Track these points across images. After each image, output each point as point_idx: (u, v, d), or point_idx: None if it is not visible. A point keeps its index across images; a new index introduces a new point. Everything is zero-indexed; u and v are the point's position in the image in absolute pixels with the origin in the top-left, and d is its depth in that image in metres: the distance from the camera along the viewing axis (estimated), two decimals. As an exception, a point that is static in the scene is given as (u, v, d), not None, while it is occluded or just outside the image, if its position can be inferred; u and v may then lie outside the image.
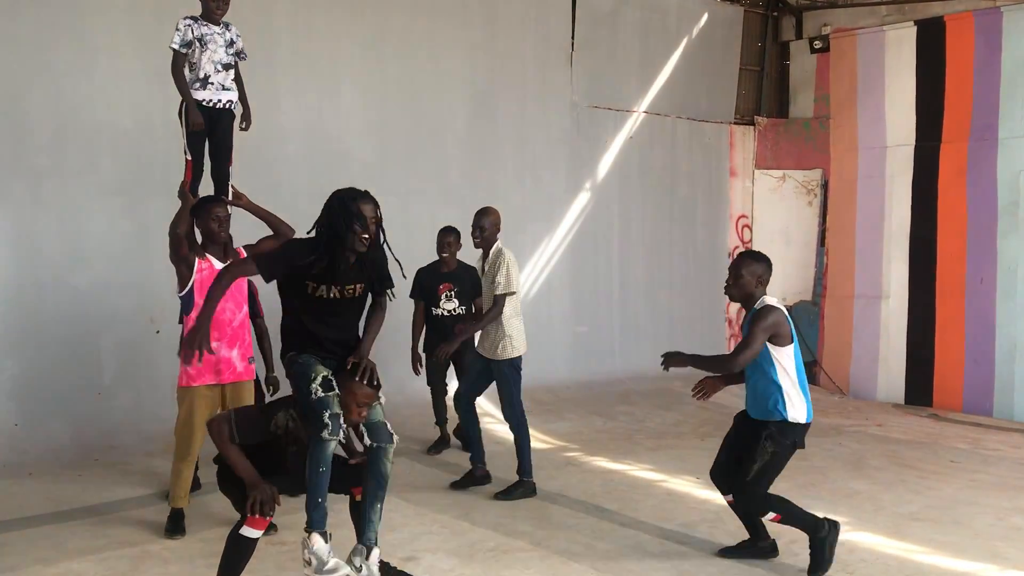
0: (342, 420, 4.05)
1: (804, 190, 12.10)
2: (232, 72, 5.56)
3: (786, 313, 5.21)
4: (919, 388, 10.91)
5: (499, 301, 6.37)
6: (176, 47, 5.39)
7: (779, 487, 6.87)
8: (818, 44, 11.86)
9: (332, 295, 4.20)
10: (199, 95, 5.41)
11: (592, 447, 8.07)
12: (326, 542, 4.10)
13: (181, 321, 5.31)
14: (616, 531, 5.81)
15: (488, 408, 8.05)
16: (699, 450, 8.08)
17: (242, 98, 5.69)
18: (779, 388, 5.13)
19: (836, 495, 6.77)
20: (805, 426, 5.20)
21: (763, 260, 5.39)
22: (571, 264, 10.51)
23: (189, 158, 5.46)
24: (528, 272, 10.08)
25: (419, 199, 9.01)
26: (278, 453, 4.12)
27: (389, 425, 4.35)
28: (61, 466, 6.64)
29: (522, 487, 6.39)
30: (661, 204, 11.44)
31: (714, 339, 11.97)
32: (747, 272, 5.31)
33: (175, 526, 5.29)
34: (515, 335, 6.45)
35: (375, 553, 4.32)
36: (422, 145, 9.20)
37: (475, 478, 6.60)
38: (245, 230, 5.57)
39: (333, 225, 4.11)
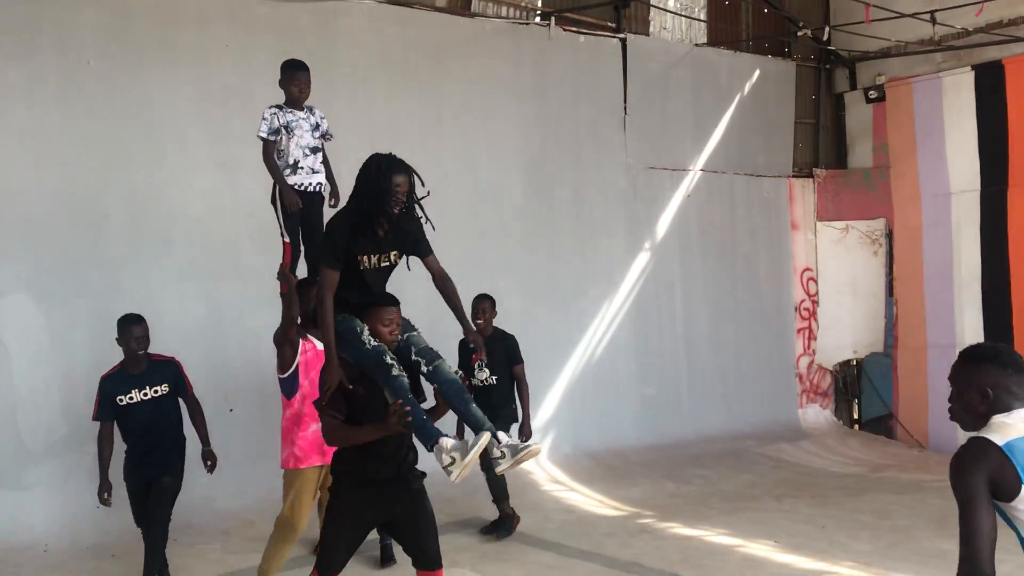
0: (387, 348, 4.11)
1: (868, 240, 11.93)
2: (320, 155, 5.63)
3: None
4: (1003, 439, 10.53)
5: None
6: (264, 136, 5.48)
7: (858, 548, 6.72)
8: (873, 94, 11.81)
9: (373, 264, 4.23)
10: (290, 180, 5.47)
11: (666, 513, 7.93)
12: (451, 437, 4.04)
13: (289, 400, 5.30)
14: (695, 600, 5.69)
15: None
16: (776, 512, 7.92)
17: (329, 177, 5.70)
18: None
19: (924, 555, 6.54)
20: None
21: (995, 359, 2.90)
22: (634, 325, 10.47)
23: (287, 240, 5.47)
24: (591, 335, 10.07)
25: (479, 268, 9.09)
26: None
27: None
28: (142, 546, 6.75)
29: None
30: (723, 261, 11.38)
31: (784, 395, 11.78)
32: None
33: None
34: None
35: (501, 434, 4.18)
36: (480, 215, 9.33)
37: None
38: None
39: (368, 190, 4.15)
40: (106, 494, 5.60)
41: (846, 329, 12.04)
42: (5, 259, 6.97)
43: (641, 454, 9.81)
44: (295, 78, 5.48)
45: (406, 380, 4.06)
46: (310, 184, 5.53)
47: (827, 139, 12.38)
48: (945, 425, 10.78)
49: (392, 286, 4.45)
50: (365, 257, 4.19)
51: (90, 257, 7.25)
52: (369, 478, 4.10)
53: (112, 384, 5.61)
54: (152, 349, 7.52)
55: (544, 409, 9.65)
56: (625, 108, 10.49)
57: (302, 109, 5.56)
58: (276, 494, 7.72)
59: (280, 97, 5.67)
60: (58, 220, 7.16)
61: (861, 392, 12.08)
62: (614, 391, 10.19)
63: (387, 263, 4.31)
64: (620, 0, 10.43)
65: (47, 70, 7.13)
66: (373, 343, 4.08)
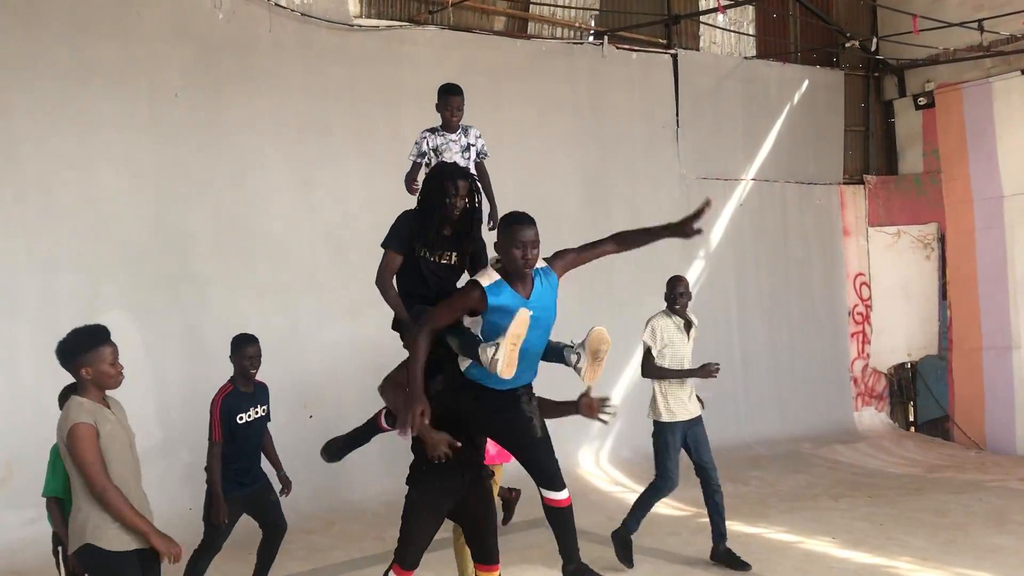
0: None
1: (920, 244, 12.07)
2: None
3: None
4: (1062, 439, 10.63)
5: None
6: (413, 158, 5.63)
7: (915, 544, 6.94)
8: (923, 100, 11.98)
9: (432, 258, 4.56)
10: None
11: (726, 512, 8.18)
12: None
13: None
14: (758, 592, 5.96)
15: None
16: (834, 511, 8.14)
17: (488, 195, 5.67)
18: None
19: (980, 551, 6.74)
20: None
21: None
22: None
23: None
24: (649, 343, 10.37)
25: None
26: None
27: None
28: (231, 545, 7.20)
29: None
30: (776, 268, 11.62)
31: (839, 399, 11.95)
32: None
33: None
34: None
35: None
36: (540, 228, 9.69)
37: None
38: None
39: (429, 195, 4.53)
40: (224, 515, 5.64)
41: (900, 332, 12.19)
42: (105, 279, 7.51)
43: (700, 457, 10.07)
44: (447, 102, 5.50)
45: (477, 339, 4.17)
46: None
47: (877, 146, 12.56)
48: (1002, 426, 10.97)
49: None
50: (424, 251, 4.54)
51: (181, 275, 7.78)
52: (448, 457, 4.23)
53: (234, 401, 5.66)
54: (239, 360, 8.04)
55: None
56: (677, 121, 10.81)
57: (455, 131, 5.56)
58: (353, 495, 8.23)
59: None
60: (151, 242, 7.69)
61: (916, 395, 12.20)
62: (672, 396, 10.47)
63: (446, 261, 4.62)
64: (671, 17, 10.76)
65: (139, 103, 7.68)
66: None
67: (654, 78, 10.68)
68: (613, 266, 10.14)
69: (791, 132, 11.73)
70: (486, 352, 3.94)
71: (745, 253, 11.31)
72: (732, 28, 11.36)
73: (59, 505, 4.59)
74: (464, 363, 4.18)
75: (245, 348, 5.73)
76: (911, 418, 12.29)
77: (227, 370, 7.97)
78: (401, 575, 4.37)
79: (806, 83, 11.87)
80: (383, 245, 4.62)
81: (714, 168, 11.08)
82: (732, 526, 7.69)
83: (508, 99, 9.59)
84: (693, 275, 10.87)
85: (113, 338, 7.78)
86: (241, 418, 5.64)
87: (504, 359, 3.87)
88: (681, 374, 6.73)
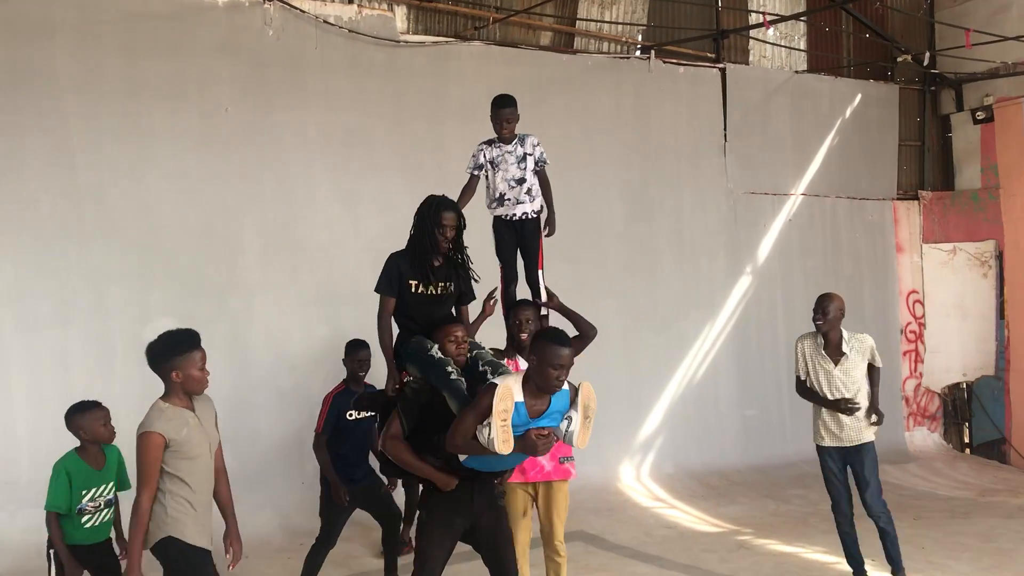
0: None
1: (977, 262, 11.80)
2: (525, 185, 5.54)
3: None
4: (1122, 464, 10.28)
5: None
6: (470, 171, 5.62)
7: (957, 569, 6.79)
8: (981, 115, 11.73)
9: (428, 292, 4.73)
10: (497, 212, 5.65)
11: (764, 530, 8.13)
12: None
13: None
14: (788, 613, 5.91)
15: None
16: (873, 532, 7.97)
17: (548, 203, 5.67)
18: None
19: (1024, 578, 6.57)
20: None
21: None
22: (736, 348, 10.67)
23: (500, 265, 5.72)
24: (692, 357, 10.34)
25: (581, 292, 9.48)
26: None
27: None
28: (272, 551, 7.38)
29: None
30: (825, 284, 11.31)
31: (890, 418, 11.69)
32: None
33: None
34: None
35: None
36: (582, 242, 9.71)
37: None
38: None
39: (420, 227, 4.72)
40: (345, 494, 5.94)
41: (955, 352, 11.91)
42: (153, 287, 7.76)
43: (742, 474, 10.00)
44: (497, 114, 5.52)
45: (464, 384, 4.39)
46: (514, 215, 5.59)
47: (933, 161, 12.33)
48: (1061, 449, 10.65)
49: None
50: (416, 284, 4.71)
51: (227, 285, 8.00)
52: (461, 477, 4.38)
53: (344, 400, 6.06)
54: (280, 369, 8.24)
55: (645, 428, 9.97)
56: (725, 135, 10.75)
57: (509, 142, 5.55)
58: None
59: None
60: (199, 251, 7.93)
61: (972, 416, 11.90)
62: (715, 412, 10.41)
63: (439, 292, 4.77)
64: (719, 32, 10.73)
65: (190, 117, 7.94)
66: (439, 356, 4.51)
67: (702, 92, 10.64)
68: (656, 279, 10.18)
69: (843, 147, 11.58)
70: (482, 433, 4.07)
71: (793, 269, 11.18)
72: (783, 43, 11.27)
73: (58, 518, 4.81)
74: (461, 457, 4.28)
75: (357, 352, 6.26)
76: (966, 440, 11.99)
77: (271, 377, 8.21)
78: None
79: (859, 97, 11.71)
80: (376, 290, 4.82)
81: (763, 183, 10.99)
82: (769, 544, 7.65)
83: (554, 114, 9.64)
84: (739, 290, 10.80)
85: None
86: (350, 415, 6.05)
87: (499, 437, 3.99)
88: (815, 400, 6.52)
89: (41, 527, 7.06)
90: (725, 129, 10.76)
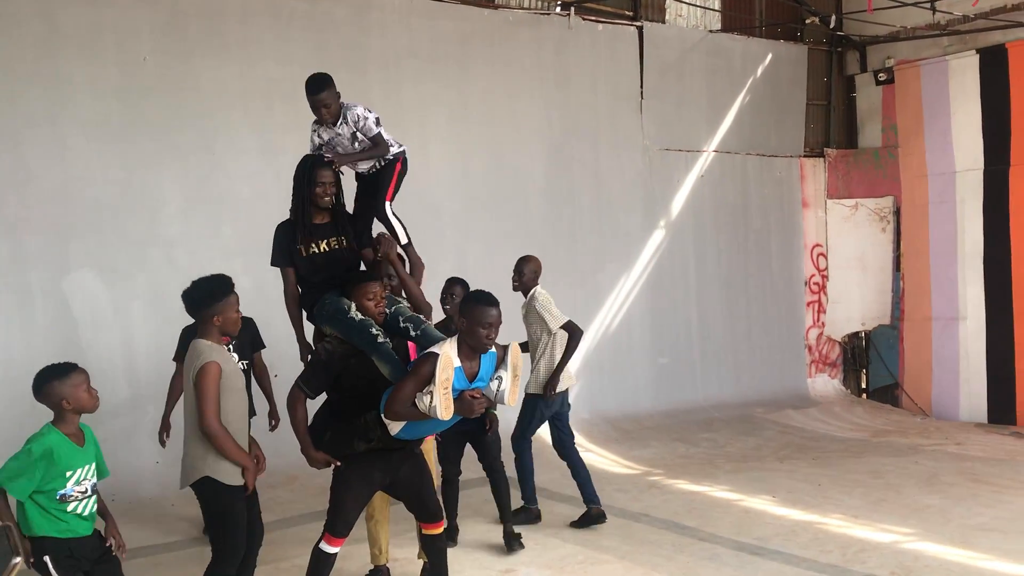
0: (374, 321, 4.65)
1: (877, 217, 12.42)
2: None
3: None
4: (1002, 407, 11.07)
5: (568, 333, 6.64)
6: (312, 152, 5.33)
7: (849, 503, 7.33)
8: (883, 76, 12.27)
9: (319, 249, 4.87)
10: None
11: (674, 471, 8.58)
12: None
13: None
14: (695, 545, 6.32)
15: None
16: (777, 472, 8.53)
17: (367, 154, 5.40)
18: None
19: (907, 509, 7.13)
20: None
21: None
22: (650, 299, 11.08)
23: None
24: (608, 308, 10.71)
25: (504, 245, 9.73)
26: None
27: None
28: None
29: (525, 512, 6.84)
30: (735, 237, 11.93)
31: (794, 366, 12.35)
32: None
33: None
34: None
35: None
36: (505, 196, 9.96)
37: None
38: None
39: (298, 189, 4.89)
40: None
41: (855, 302, 12.58)
42: (72, 237, 7.69)
43: (654, 419, 10.46)
44: (313, 103, 5.24)
45: (390, 345, 4.54)
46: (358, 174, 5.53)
47: (838, 120, 12.86)
48: (949, 395, 11.42)
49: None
50: (305, 247, 4.86)
51: (148, 236, 7.97)
52: (384, 447, 4.57)
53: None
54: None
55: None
56: (642, 93, 11.03)
57: (336, 123, 5.27)
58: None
59: None
60: (120, 202, 7.87)
61: (869, 363, 12.62)
62: (629, 360, 10.83)
63: (329, 249, 4.90)
64: (637, -10, 10.95)
65: (108, 67, 7.81)
66: (360, 317, 4.61)
67: (620, 50, 10.88)
68: (575, 234, 10.47)
69: (754, 105, 11.99)
70: (423, 400, 4.24)
71: (705, 223, 11.61)
72: (698, 2, 11.55)
73: (5, 496, 3.88)
74: (395, 428, 4.41)
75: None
76: (863, 385, 12.72)
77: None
78: (332, 543, 4.62)
79: (770, 57, 12.11)
80: (272, 264, 4.98)
81: (677, 139, 11.34)
82: (678, 484, 8.09)
83: (475, 68, 9.77)
84: (654, 244, 11.18)
85: (80, 296, 7.98)
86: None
87: (441, 404, 4.19)
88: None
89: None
90: (642, 86, 11.03)
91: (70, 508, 3.92)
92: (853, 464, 8.79)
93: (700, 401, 11.12)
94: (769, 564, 5.90)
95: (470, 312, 4.36)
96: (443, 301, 6.32)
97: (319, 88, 5.20)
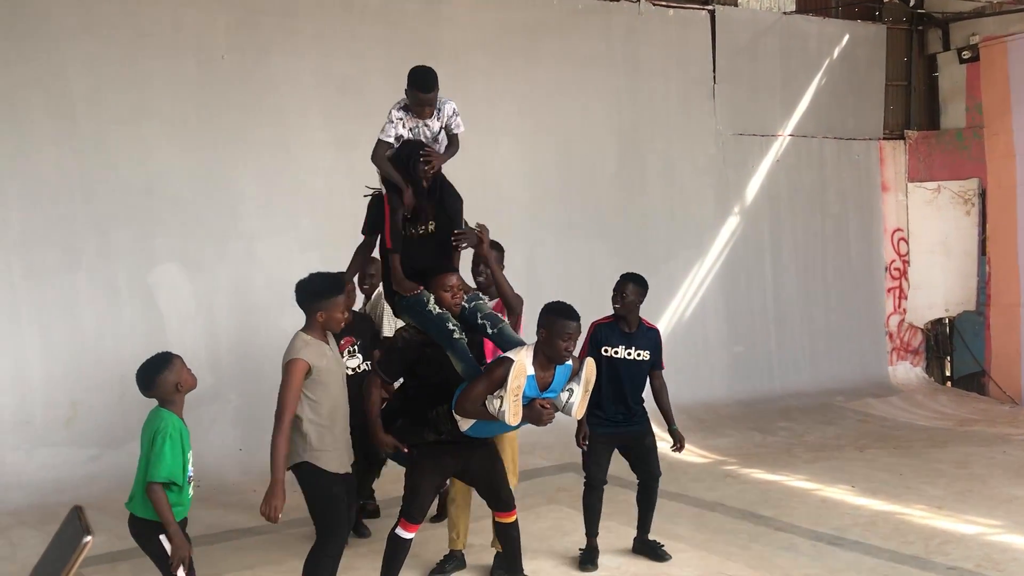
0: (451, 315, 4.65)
1: (961, 200, 12.04)
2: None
3: None
4: (1097, 395, 10.66)
5: None
6: (383, 138, 5.09)
7: (932, 493, 7.15)
8: (967, 54, 11.86)
9: (416, 231, 4.86)
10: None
11: (750, 460, 8.48)
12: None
13: None
14: (771, 535, 6.26)
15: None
16: (857, 461, 8.37)
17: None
18: None
19: (994, 500, 6.94)
20: None
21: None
22: (724, 287, 10.94)
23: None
24: (681, 296, 10.62)
25: (574, 235, 9.74)
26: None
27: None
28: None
29: None
30: (812, 223, 11.70)
31: (874, 353, 12.05)
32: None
33: None
34: None
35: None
36: (575, 185, 9.93)
37: None
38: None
39: (399, 168, 4.81)
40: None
41: (937, 288, 12.22)
42: (156, 233, 7.94)
43: (730, 408, 10.34)
44: (418, 100, 4.98)
45: (465, 342, 4.57)
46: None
47: (919, 101, 12.48)
48: (1038, 381, 11.02)
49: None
50: (408, 227, 4.83)
51: (228, 230, 8.19)
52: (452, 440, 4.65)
53: (603, 333, 5.68)
54: (283, 311, 8.44)
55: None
56: (714, 78, 10.88)
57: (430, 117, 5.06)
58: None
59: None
60: (201, 197, 8.09)
61: (953, 350, 12.26)
62: (704, 349, 10.72)
63: (423, 232, 4.89)
64: (708, -27, 10.79)
65: (188, 65, 8.04)
66: (437, 310, 4.65)
67: (691, 35, 10.74)
68: (646, 221, 10.39)
69: (830, 87, 11.72)
70: (492, 404, 4.30)
71: (780, 209, 11.41)
72: (771, -17, 11.34)
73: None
74: (464, 425, 4.49)
75: (625, 285, 5.72)
76: (947, 373, 12.36)
77: (273, 319, 8.42)
78: (408, 528, 4.73)
79: (847, 38, 11.81)
80: (392, 251, 4.85)
81: (751, 124, 11.16)
82: (754, 473, 7.99)
83: (544, 58, 9.75)
84: (728, 230, 11.03)
85: (165, 289, 8.21)
86: (606, 351, 5.65)
87: (510, 410, 4.26)
88: None
89: (57, 464, 7.42)
90: (714, 71, 10.88)
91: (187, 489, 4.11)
92: (937, 454, 8.57)
93: (777, 390, 10.94)
94: (848, 555, 5.80)
95: (550, 323, 4.39)
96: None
97: (432, 86, 4.92)
